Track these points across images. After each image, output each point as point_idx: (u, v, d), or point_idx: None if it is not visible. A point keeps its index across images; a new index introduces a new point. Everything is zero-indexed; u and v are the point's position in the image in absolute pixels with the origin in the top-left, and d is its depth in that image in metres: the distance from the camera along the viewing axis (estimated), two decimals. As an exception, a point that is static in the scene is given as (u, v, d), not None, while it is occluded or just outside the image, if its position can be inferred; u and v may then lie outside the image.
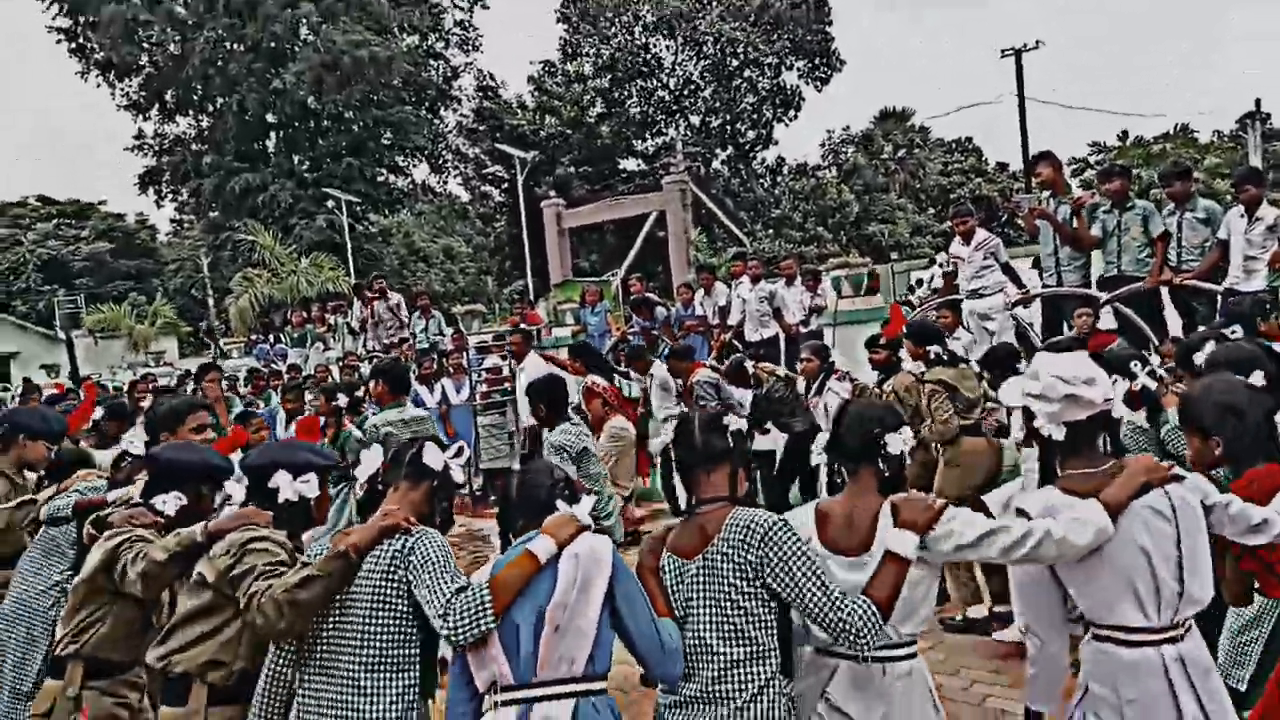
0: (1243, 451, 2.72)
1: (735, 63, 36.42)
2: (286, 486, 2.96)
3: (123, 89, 38.45)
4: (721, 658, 2.41)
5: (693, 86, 37.39)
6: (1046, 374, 2.58)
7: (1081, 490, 2.47)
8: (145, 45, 36.89)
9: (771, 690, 2.41)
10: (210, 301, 37.15)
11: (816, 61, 37.08)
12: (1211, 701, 2.41)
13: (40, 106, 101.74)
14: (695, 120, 38.01)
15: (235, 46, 36.14)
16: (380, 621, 2.54)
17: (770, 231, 33.05)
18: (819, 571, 2.38)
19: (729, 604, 2.41)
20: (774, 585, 2.39)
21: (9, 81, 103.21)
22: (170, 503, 3.22)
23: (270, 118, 37.03)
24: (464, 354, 12.59)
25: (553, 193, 30.65)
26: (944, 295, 9.35)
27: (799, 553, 2.39)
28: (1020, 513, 2.51)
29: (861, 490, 2.60)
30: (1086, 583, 2.47)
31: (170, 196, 40.80)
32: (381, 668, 2.54)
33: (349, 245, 27.17)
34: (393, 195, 40.61)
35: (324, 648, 2.58)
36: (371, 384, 6.70)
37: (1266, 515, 2.51)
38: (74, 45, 37.42)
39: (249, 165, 36.63)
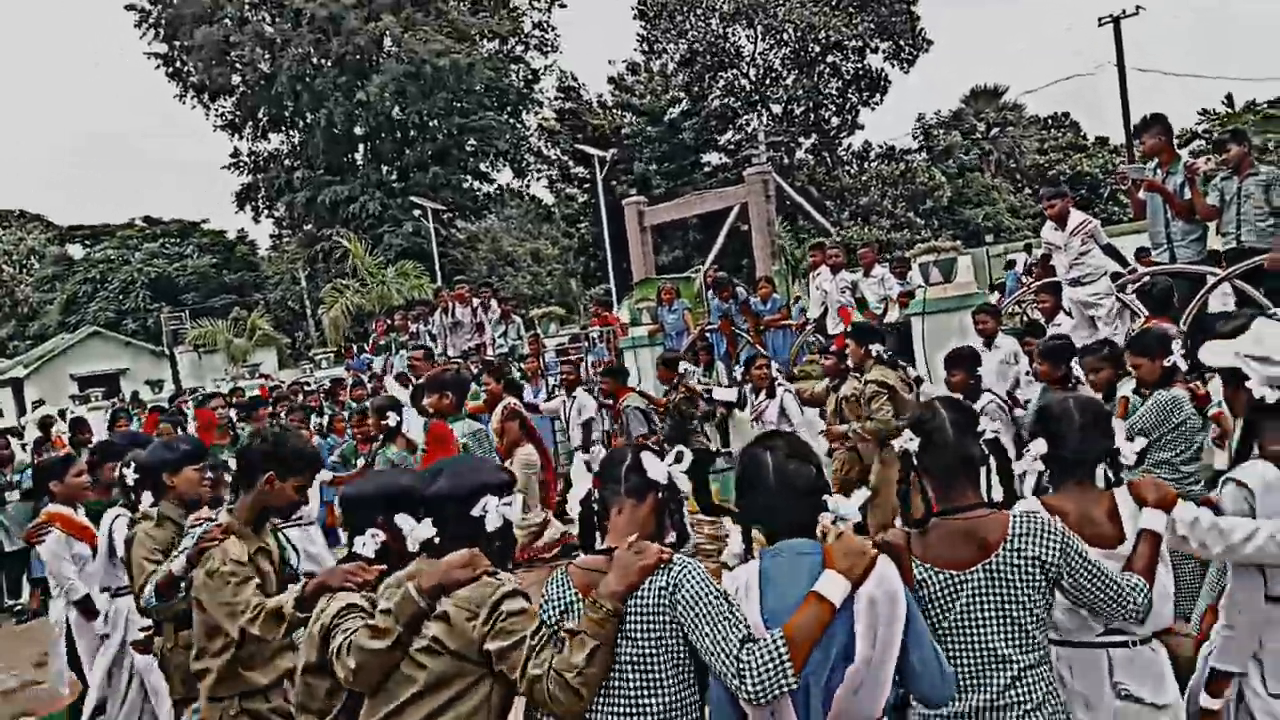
0: None
1: (817, 48, 35.51)
2: (494, 512, 2.48)
3: (217, 109, 39.85)
4: (1015, 665, 2.36)
5: (774, 75, 36.64)
6: (1275, 338, 2.67)
7: None
8: (237, 65, 38.08)
9: (1056, 693, 2.42)
10: (308, 313, 38.13)
11: (901, 43, 35.86)
12: None
13: (132, 128, 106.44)
14: (777, 109, 37.24)
15: (321, 62, 37.03)
16: (661, 672, 2.25)
17: (858, 220, 32.16)
18: (1100, 563, 2.43)
19: (1021, 611, 2.37)
20: (1067, 585, 2.41)
21: (109, 106, 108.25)
22: (369, 544, 2.75)
23: (357, 130, 37.84)
24: (540, 357, 12.42)
25: (634, 191, 30.44)
26: (1039, 279, 8.72)
27: (1085, 550, 2.42)
28: (1240, 484, 2.58)
29: (1087, 486, 2.68)
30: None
31: (267, 212, 42.09)
32: (677, 712, 2.27)
33: (435, 252, 27.43)
34: (478, 201, 41.06)
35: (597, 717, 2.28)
36: (434, 397, 6.47)
37: None
38: (171, 70, 38.88)
39: (339, 178, 37.51)
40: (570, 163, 37.70)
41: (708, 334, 12.36)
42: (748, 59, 36.58)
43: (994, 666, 2.37)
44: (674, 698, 2.26)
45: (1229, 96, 42.46)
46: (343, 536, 3.16)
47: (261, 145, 41.03)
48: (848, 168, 37.74)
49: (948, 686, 2.27)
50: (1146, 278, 7.35)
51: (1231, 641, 2.63)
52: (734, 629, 2.13)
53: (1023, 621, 2.37)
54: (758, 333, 12.02)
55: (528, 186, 44.69)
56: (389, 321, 16.95)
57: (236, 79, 38.74)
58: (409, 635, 2.35)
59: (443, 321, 13.94)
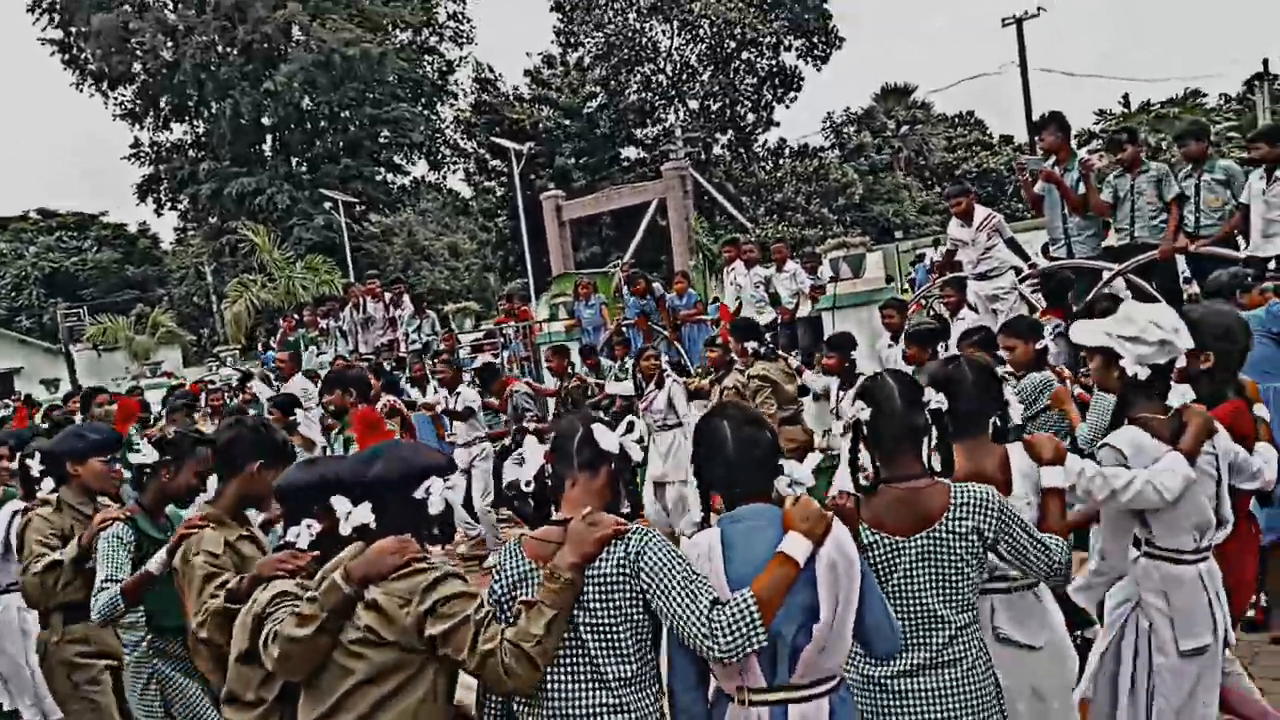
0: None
1: (732, 44, 35.78)
2: (437, 494, 2.41)
3: (116, 98, 38.34)
4: (952, 625, 2.49)
5: (690, 71, 36.81)
6: (1143, 318, 2.93)
7: (1160, 432, 2.90)
8: (137, 53, 36.67)
9: (985, 649, 2.58)
10: (214, 309, 36.96)
11: (815, 40, 36.41)
12: (1223, 609, 2.99)
13: (34, 118, 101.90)
14: (694, 105, 37.44)
15: (227, 50, 35.92)
16: (622, 641, 2.26)
17: (773, 216, 32.54)
18: (1031, 526, 2.59)
19: (959, 576, 2.50)
20: (1003, 550, 2.54)
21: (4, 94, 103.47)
22: (303, 534, 2.65)
23: (265, 120, 36.79)
24: (454, 354, 12.25)
25: (552, 185, 30.26)
26: (943, 274, 8.92)
27: (1019, 517, 2.56)
28: (1114, 448, 2.89)
29: (981, 440, 2.83)
30: (1161, 515, 2.90)
31: (169, 204, 40.68)
32: (637, 688, 2.29)
33: (348, 246, 26.83)
34: (392, 194, 40.32)
35: (557, 688, 2.27)
36: (336, 394, 6.35)
37: (1258, 465, 3.15)
38: (67, 57, 37.27)
39: (245, 169, 36.43)
40: (487, 156, 37.27)
41: (624, 329, 12.35)
42: (664, 54, 36.67)
43: (933, 626, 2.50)
44: (636, 666, 2.28)
45: (1125, 97, 44.25)
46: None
47: (164, 135, 39.66)
48: (763, 164, 38.14)
49: (897, 639, 2.40)
50: (1042, 271, 7.59)
51: (1098, 580, 3.05)
52: (701, 592, 2.18)
53: (959, 585, 2.51)
54: (674, 328, 12.05)
55: (444, 179, 44.12)
56: (298, 317, 16.53)
57: (137, 67, 37.32)
58: (335, 622, 2.26)
59: (354, 317, 13.64)
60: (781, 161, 37.28)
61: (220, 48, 35.90)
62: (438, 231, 45.34)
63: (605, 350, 10.98)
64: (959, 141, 42.00)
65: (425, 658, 2.28)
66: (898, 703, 2.50)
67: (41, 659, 3.88)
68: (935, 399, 2.64)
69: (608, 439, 2.40)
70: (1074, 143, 7.99)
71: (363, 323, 13.57)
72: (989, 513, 2.50)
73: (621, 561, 2.24)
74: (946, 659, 2.49)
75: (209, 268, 38.86)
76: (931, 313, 9.56)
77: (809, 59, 36.74)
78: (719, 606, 2.15)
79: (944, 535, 2.50)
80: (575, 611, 2.24)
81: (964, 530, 2.49)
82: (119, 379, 22.55)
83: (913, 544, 2.51)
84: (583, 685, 2.26)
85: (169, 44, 36.10)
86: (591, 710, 2.25)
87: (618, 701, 2.26)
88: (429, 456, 2.53)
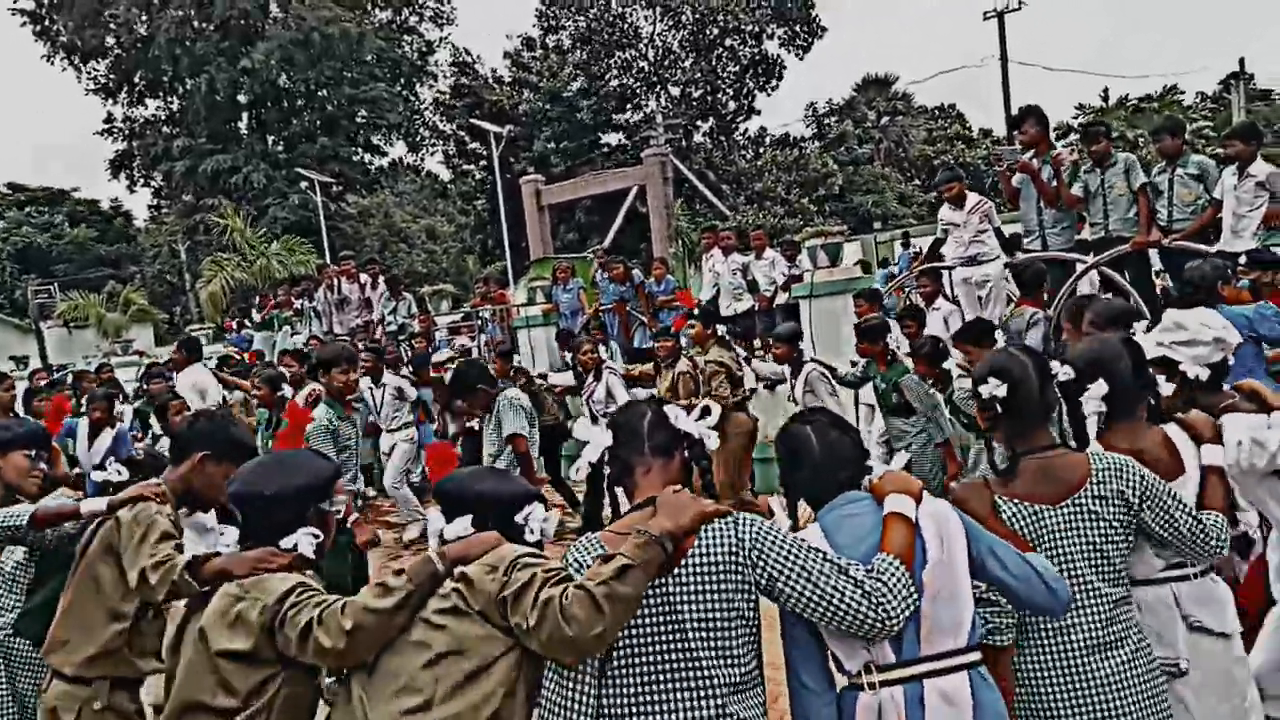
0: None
1: (715, 31, 35.68)
2: (536, 524, 2.40)
3: (89, 72, 37.74)
4: (1109, 598, 2.42)
5: (672, 57, 36.69)
6: (1193, 321, 3.02)
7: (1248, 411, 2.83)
8: (111, 26, 36.10)
9: (1140, 627, 2.50)
10: (187, 288, 36.54)
11: (797, 29, 36.39)
12: None
13: (4, 91, 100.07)
14: (675, 92, 37.35)
15: (203, 25, 35.41)
16: (731, 641, 2.06)
17: (753, 204, 32.55)
18: (1181, 497, 2.51)
19: (1109, 545, 2.44)
20: (1149, 519, 2.46)
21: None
22: (304, 542, 2.48)
23: (241, 98, 36.35)
24: (431, 336, 12.20)
25: (531, 169, 30.10)
26: (923, 263, 8.96)
27: (1163, 485, 2.50)
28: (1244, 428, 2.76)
29: (1138, 424, 2.74)
30: None
31: (143, 181, 40.16)
32: (744, 695, 2.09)
33: (323, 226, 26.59)
34: (370, 175, 39.98)
35: (657, 698, 2.05)
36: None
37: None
38: (39, 28, 36.62)
39: (221, 147, 35.98)
40: (466, 138, 37.01)
41: (602, 314, 12.33)
42: (646, 39, 36.53)
43: (1090, 599, 2.42)
44: (743, 670, 2.10)
45: (1105, 91, 44.55)
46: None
47: (137, 111, 39.09)
48: (744, 152, 38.12)
49: (1061, 592, 2.26)
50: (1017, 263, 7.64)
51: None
52: (845, 564, 2.07)
53: (1110, 555, 2.45)
54: (652, 314, 12.05)
55: (422, 161, 43.80)
56: (280, 295, 16.39)
57: (110, 40, 36.73)
58: (420, 600, 2.15)
59: (328, 298, 13.52)
60: (762, 150, 37.26)
61: (196, 23, 35.40)
62: (415, 214, 45.03)
63: (586, 334, 10.96)
64: (939, 134, 42.14)
65: (507, 644, 2.13)
66: (1063, 687, 2.38)
67: None
68: (1062, 371, 2.66)
69: (683, 421, 2.30)
70: (1052, 136, 8.04)
71: (337, 303, 13.46)
72: (1131, 477, 2.47)
73: (733, 548, 2.07)
74: (1112, 638, 2.39)
75: (183, 246, 38.38)
76: (908, 303, 9.61)
77: (791, 48, 36.74)
78: (872, 572, 2.06)
79: (1088, 500, 2.46)
80: (680, 607, 2.05)
81: (1108, 494, 2.45)
82: (89, 357, 22.25)
83: (1058, 512, 2.47)
84: (688, 694, 2.05)
85: (143, 18, 35.54)
86: (658, 688, 2.06)
87: (724, 711, 2.06)
88: (527, 483, 2.52)
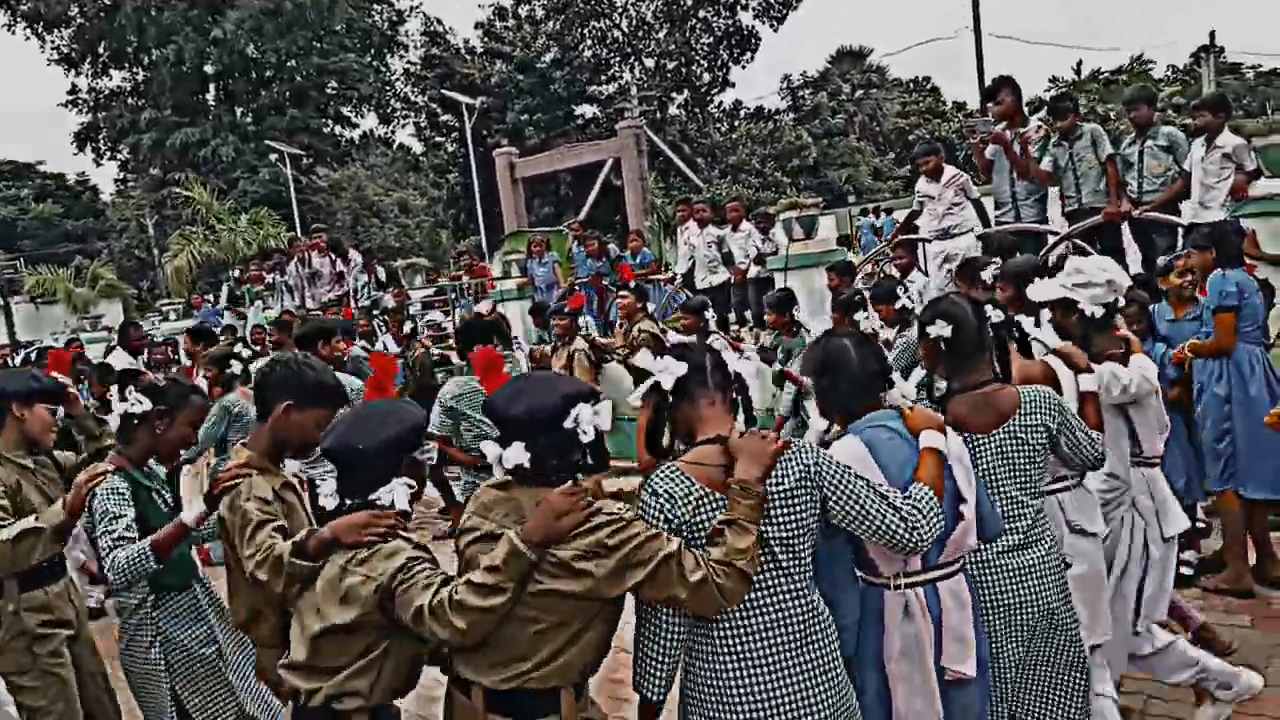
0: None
1: (689, 2, 35.48)
2: (587, 423, 2.32)
3: (52, 41, 36.96)
4: (1032, 509, 2.86)
5: (646, 28, 36.44)
6: (1090, 266, 3.53)
7: (1120, 359, 3.47)
8: (74, -6, 35.38)
9: (1054, 534, 2.97)
10: (156, 262, 36.03)
11: (772, 0, 36.24)
12: None
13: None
14: (650, 63, 37.11)
15: (169, -6, 34.73)
16: (803, 550, 2.33)
17: (727, 177, 32.49)
18: (1083, 423, 3.02)
19: (1032, 466, 2.86)
20: (1060, 441, 2.91)
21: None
22: (400, 494, 2.47)
23: (209, 69, 35.77)
24: (405, 310, 12.13)
25: (505, 141, 29.86)
26: (898, 235, 8.98)
27: (1073, 413, 3.00)
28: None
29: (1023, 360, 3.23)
30: (1143, 416, 3.56)
31: (109, 154, 39.48)
32: (813, 592, 2.37)
33: (294, 200, 26.25)
34: (341, 148, 39.51)
35: (757, 602, 2.28)
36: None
37: None
38: (-2, -4, 35.84)
39: (189, 119, 35.45)
40: (438, 110, 36.63)
41: (577, 288, 12.29)
42: (619, 9, 36.21)
43: (1018, 512, 2.86)
44: (811, 569, 2.37)
45: (1078, 64, 44.70)
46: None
47: (103, 82, 38.36)
48: (718, 125, 37.99)
49: (999, 522, 2.75)
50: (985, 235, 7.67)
51: (1112, 496, 3.51)
52: (883, 492, 2.37)
53: (1032, 474, 2.89)
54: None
55: (393, 134, 43.32)
56: (257, 269, 16.18)
57: (75, 9, 35.95)
58: (520, 589, 2.18)
59: (299, 272, 13.39)
60: (737, 123, 37.17)
61: (162, -9, 34.76)
62: (387, 187, 44.58)
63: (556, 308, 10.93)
64: (913, 108, 42.16)
65: (600, 608, 2.25)
66: (1001, 578, 2.83)
67: None
68: (994, 314, 3.03)
69: (736, 362, 2.50)
70: (1026, 110, 8.04)
71: (309, 277, 13.33)
72: (1053, 410, 2.89)
73: (803, 474, 2.31)
74: (1032, 539, 2.84)
75: (150, 220, 37.82)
76: (883, 274, 9.64)
77: (765, 19, 36.55)
78: (909, 500, 2.37)
79: (1018, 430, 2.87)
80: (766, 529, 2.27)
81: (1034, 424, 2.87)
82: (57, 333, 21.92)
83: (992, 440, 2.88)
84: (777, 593, 2.29)
85: (108, -14, 34.87)
86: (791, 616, 2.30)
87: (808, 605, 2.33)
88: (570, 384, 2.41)
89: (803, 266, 9.10)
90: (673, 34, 36.10)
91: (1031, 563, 2.84)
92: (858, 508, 2.32)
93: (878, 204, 20.81)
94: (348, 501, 2.48)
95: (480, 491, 2.44)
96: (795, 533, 2.29)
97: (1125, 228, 7.28)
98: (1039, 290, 3.57)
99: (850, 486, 2.33)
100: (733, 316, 10.39)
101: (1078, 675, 2.91)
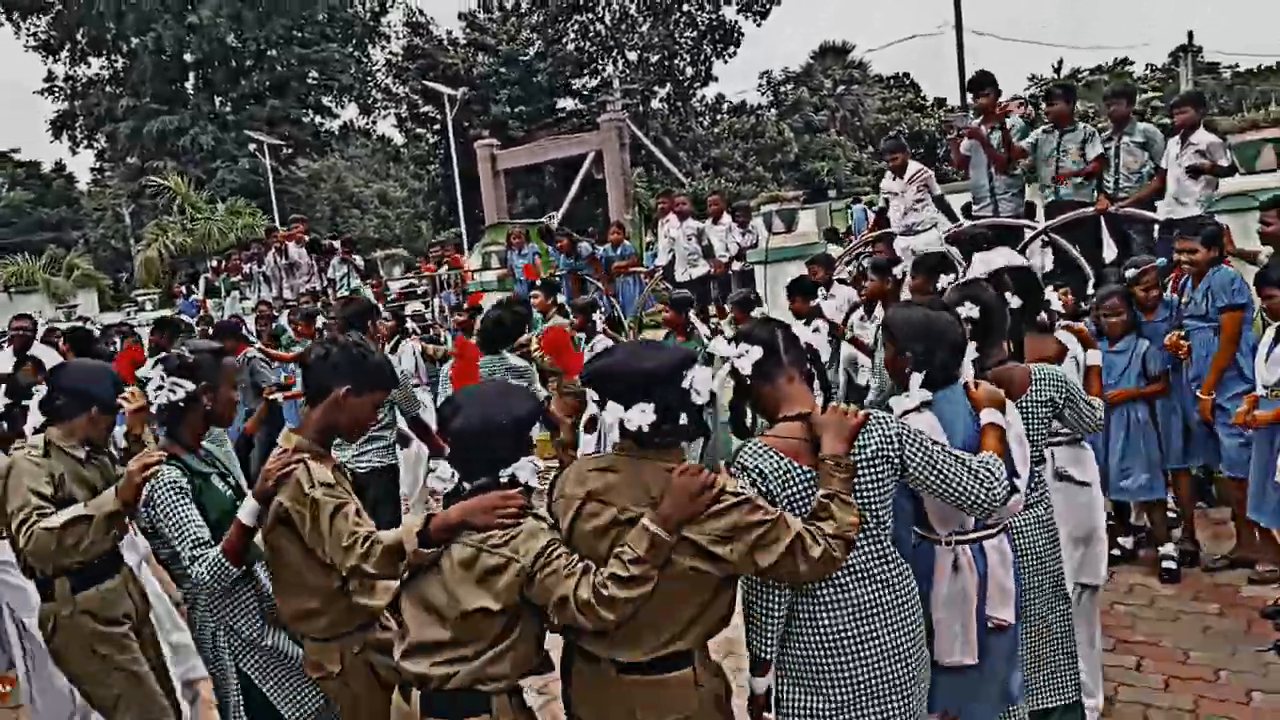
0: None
1: (672, -4, 35.45)
2: (702, 385, 2.37)
3: (29, 28, 36.47)
4: (1035, 473, 3.10)
5: (629, 21, 36.35)
6: (998, 259, 3.83)
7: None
8: (51, -21, 34.90)
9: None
10: (133, 253, 35.65)
11: (755, -6, 36.21)
12: None
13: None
14: (633, 57, 37.04)
15: (147, -20, 34.29)
16: (885, 511, 2.48)
17: (709, 171, 32.50)
18: (1083, 392, 3.31)
19: (1037, 435, 3.12)
20: (1065, 413, 3.19)
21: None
22: (527, 470, 2.43)
23: (188, 57, 35.38)
24: (383, 301, 12.07)
25: (487, 133, 29.72)
26: (873, 230, 9.01)
27: (1079, 388, 3.28)
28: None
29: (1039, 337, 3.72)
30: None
31: (86, 142, 39.02)
32: (902, 536, 2.62)
33: (273, 190, 26.03)
34: (321, 138, 39.20)
35: (856, 561, 2.45)
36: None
37: None
38: (-28, -19, 35.30)
39: (167, 107, 35.07)
40: (420, 101, 36.42)
41: (557, 280, 12.26)
42: (603, 2, 36.12)
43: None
44: (891, 527, 2.51)
45: (1059, 62, 44.96)
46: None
47: (80, 70, 37.88)
48: (701, 119, 37.98)
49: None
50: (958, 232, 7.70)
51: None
52: (958, 455, 2.52)
53: (1038, 442, 3.15)
54: (608, 280, 12.01)
55: (374, 125, 43.04)
56: (220, 263, 16.09)
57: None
58: (659, 571, 2.22)
59: (277, 263, 13.30)
60: (719, 117, 37.18)
61: (140, -23, 34.32)
62: (367, 179, 44.33)
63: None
64: (893, 103, 42.30)
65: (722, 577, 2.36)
66: (1011, 533, 2.97)
67: (49, 637, 3.24)
68: (1014, 301, 3.31)
69: (808, 336, 2.60)
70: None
71: (287, 268, 13.24)
72: (1060, 386, 3.15)
73: (883, 441, 2.44)
74: (1033, 500, 3.12)
75: (128, 210, 37.42)
76: (861, 268, 9.67)
77: (749, 13, 36.53)
78: (981, 463, 2.53)
79: (1029, 405, 3.11)
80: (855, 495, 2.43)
81: (1043, 399, 3.14)
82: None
83: (1009, 410, 3.02)
84: (866, 554, 2.44)
85: (85, -29, 34.41)
86: (877, 571, 2.45)
87: (891, 561, 2.49)
88: (678, 349, 2.43)
89: (782, 260, 9.11)
90: (656, 28, 36.04)
91: (1037, 520, 3.15)
92: (936, 471, 2.47)
93: (871, 195, 20.84)
94: (465, 485, 2.44)
95: (575, 472, 2.44)
96: (878, 496, 2.45)
97: (1103, 223, 7.32)
98: (977, 267, 3.84)
99: (928, 452, 2.48)
100: (713, 310, 10.40)
101: (1066, 607, 3.24)
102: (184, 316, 14.27)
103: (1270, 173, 6.85)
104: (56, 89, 37.80)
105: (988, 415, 2.68)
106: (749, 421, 2.62)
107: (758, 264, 9.48)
